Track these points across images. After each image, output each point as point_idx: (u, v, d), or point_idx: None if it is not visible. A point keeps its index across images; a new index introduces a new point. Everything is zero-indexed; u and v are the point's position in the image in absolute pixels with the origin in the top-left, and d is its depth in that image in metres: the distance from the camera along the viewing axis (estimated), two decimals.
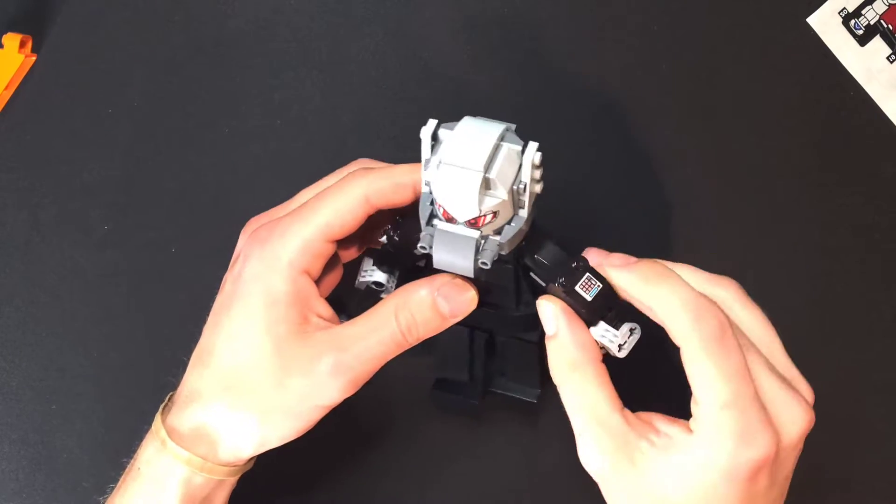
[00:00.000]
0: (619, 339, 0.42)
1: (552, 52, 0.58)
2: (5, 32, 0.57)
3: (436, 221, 0.40)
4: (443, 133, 0.40)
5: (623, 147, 0.58)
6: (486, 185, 0.38)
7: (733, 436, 0.38)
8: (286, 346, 0.42)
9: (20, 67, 0.57)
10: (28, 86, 0.58)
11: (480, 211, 0.38)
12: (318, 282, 0.45)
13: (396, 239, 0.44)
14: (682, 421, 0.41)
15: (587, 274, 0.41)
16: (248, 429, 0.43)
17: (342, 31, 0.58)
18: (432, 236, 0.40)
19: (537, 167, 0.39)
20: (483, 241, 0.40)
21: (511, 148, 0.39)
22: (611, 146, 0.58)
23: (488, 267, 0.40)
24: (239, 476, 0.46)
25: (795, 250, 0.58)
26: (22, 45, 0.57)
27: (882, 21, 0.59)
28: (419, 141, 0.56)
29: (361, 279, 0.46)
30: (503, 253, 0.40)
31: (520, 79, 0.58)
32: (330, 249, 0.44)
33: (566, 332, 0.42)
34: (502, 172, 0.38)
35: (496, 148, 0.38)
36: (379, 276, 0.45)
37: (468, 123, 0.40)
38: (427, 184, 0.40)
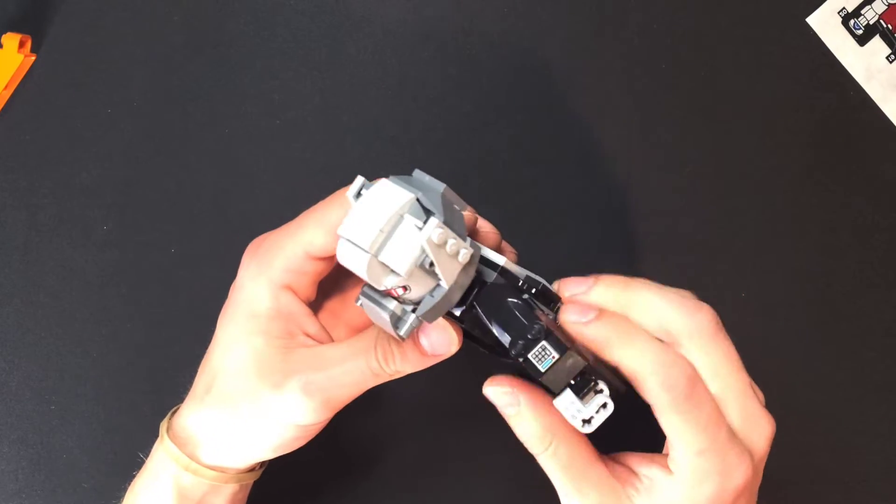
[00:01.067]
0: (583, 413, 0.38)
1: (552, 51, 0.58)
2: (5, 32, 0.57)
3: (361, 291, 0.39)
4: (362, 196, 0.38)
5: (623, 147, 0.58)
6: (380, 264, 0.36)
7: (713, 475, 0.39)
8: (263, 360, 0.42)
9: (19, 67, 0.57)
10: (27, 86, 0.58)
11: (383, 286, 0.37)
12: (345, 314, 0.45)
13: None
14: (658, 457, 0.41)
15: (542, 343, 0.37)
16: (226, 436, 0.43)
17: (342, 32, 0.58)
18: (363, 298, 0.39)
19: (440, 245, 0.36)
20: (402, 313, 0.38)
21: (412, 224, 0.36)
22: (610, 146, 0.58)
23: (404, 339, 0.39)
24: (243, 484, 0.45)
25: (795, 250, 0.58)
26: (21, 44, 0.57)
27: (881, 21, 0.59)
28: (418, 141, 0.56)
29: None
30: (428, 322, 0.38)
31: (519, 78, 0.58)
32: (319, 268, 0.43)
33: (528, 410, 0.40)
34: (398, 251, 0.36)
35: (396, 223, 0.36)
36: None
37: (375, 192, 0.37)
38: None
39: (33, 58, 0.58)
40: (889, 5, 0.58)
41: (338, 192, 0.45)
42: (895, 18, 0.59)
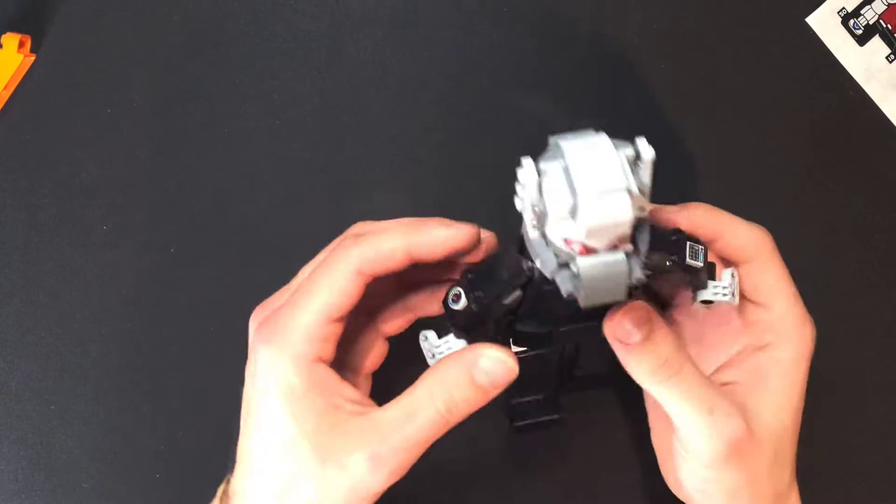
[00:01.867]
0: (730, 288, 0.43)
1: (551, 51, 0.58)
2: (4, 32, 0.57)
3: (578, 262, 0.36)
4: (547, 167, 0.36)
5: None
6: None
7: (804, 323, 0.47)
8: (320, 442, 0.40)
9: (19, 67, 0.57)
10: (27, 86, 0.58)
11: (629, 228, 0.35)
12: (355, 362, 0.44)
13: (483, 300, 0.40)
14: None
15: (689, 243, 0.41)
16: None
17: (341, 32, 0.58)
18: (575, 276, 0.36)
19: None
20: (628, 258, 0.36)
21: (627, 153, 0.36)
22: None
23: (644, 281, 0.37)
24: None
25: (795, 250, 0.58)
26: (21, 45, 0.57)
27: (881, 21, 0.59)
28: (418, 141, 0.56)
29: (441, 357, 0.42)
30: (646, 260, 0.37)
31: (519, 78, 0.58)
32: (337, 329, 0.42)
33: (662, 331, 0.42)
34: (634, 181, 0.35)
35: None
36: (460, 344, 0.42)
37: (572, 146, 0.36)
38: (537, 227, 0.37)
39: (33, 58, 0.58)
40: (889, 5, 0.59)
41: (337, 245, 0.43)
42: (895, 18, 0.59)
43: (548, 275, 0.37)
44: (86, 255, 0.57)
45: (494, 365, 0.40)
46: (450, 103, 0.58)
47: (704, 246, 0.42)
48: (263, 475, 0.42)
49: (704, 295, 0.43)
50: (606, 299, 0.37)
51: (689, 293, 0.46)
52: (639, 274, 0.36)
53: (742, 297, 0.47)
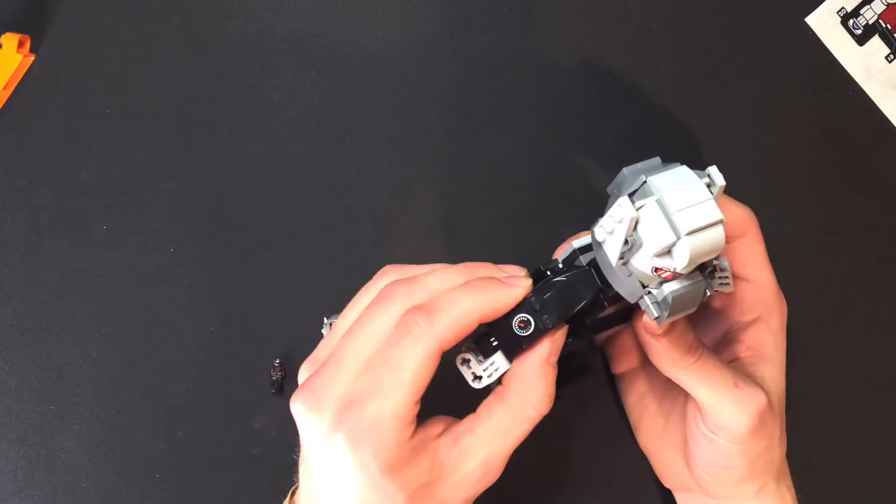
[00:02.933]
0: (728, 276, 0.47)
1: (551, 51, 0.58)
2: (4, 32, 0.57)
3: (665, 286, 0.39)
4: (644, 204, 0.38)
5: (622, 146, 0.58)
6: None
7: (781, 293, 0.51)
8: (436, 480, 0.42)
9: (19, 67, 0.57)
10: (26, 86, 0.57)
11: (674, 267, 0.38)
12: None
13: (549, 323, 0.42)
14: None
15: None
16: None
17: (341, 32, 0.58)
18: (662, 302, 0.40)
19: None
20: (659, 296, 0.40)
21: (705, 182, 0.38)
22: (610, 146, 0.58)
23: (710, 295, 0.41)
24: None
25: (795, 250, 0.59)
26: (20, 44, 0.57)
27: (880, 21, 0.59)
28: (418, 141, 0.56)
29: (490, 378, 0.43)
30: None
31: (519, 78, 0.58)
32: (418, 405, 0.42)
33: (682, 323, 0.45)
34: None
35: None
36: (507, 364, 0.43)
37: (662, 181, 0.38)
38: (623, 258, 0.39)
39: (32, 58, 0.57)
40: (888, 5, 0.59)
41: (371, 287, 0.44)
42: (894, 18, 0.59)
43: (632, 300, 0.40)
44: (86, 255, 0.57)
45: (561, 340, 0.43)
46: (450, 103, 0.58)
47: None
48: None
49: (713, 286, 0.45)
50: (681, 314, 0.41)
51: None
52: (710, 290, 0.41)
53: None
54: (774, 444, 0.49)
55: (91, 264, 0.57)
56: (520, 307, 0.42)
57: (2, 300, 0.56)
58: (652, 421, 0.53)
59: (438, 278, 0.42)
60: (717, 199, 0.38)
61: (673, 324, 0.44)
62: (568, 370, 0.56)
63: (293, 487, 0.46)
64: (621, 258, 0.39)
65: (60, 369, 0.56)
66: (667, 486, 0.53)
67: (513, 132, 0.58)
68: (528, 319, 0.42)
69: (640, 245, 0.38)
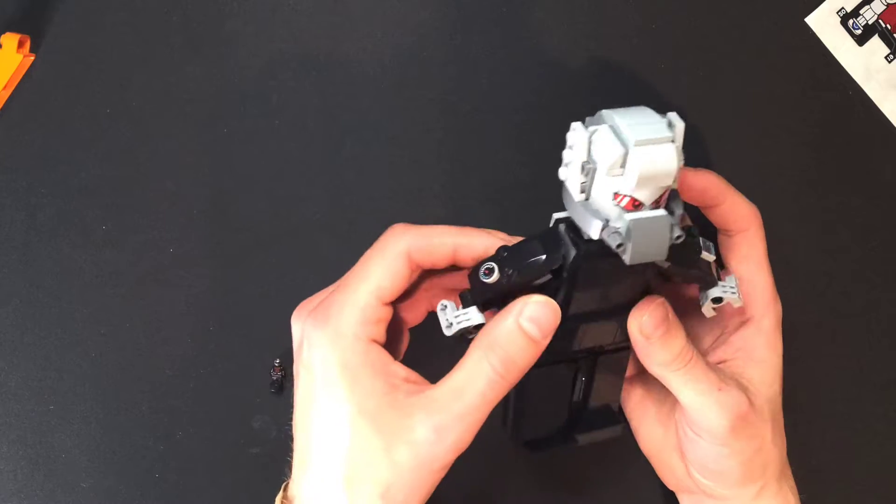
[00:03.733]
0: (736, 288, 0.47)
1: (551, 51, 0.58)
2: (3, 32, 0.57)
3: (625, 216, 0.38)
4: (597, 129, 0.39)
5: None
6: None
7: (777, 295, 0.51)
8: (384, 421, 0.41)
9: (18, 67, 0.57)
10: (26, 86, 0.57)
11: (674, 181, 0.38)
12: (391, 349, 0.44)
13: (515, 277, 0.41)
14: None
15: (700, 238, 0.44)
16: None
17: (340, 32, 0.58)
18: (624, 232, 0.38)
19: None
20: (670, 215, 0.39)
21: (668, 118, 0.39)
22: None
23: (683, 238, 0.39)
24: None
25: (795, 250, 0.59)
26: (20, 44, 0.56)
27: (880, 21, 0.59)
28: (418, 141, 0.56)
29: (458, 325, 0.43)
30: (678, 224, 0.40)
31: (518, 78, 0.58)
32: (388, 312, 0.43)
33: (677, 325, 0.45)
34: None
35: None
36: (479, 317, 0.43)
37: (616, 113, 0.39)
38: (584, 191, 0.39)
39: (32, 57, 0.57)
40: (888, 5, 0.59)
41: (386, 234, 0.45)
42: (894, 18, 0.59)
43: (594, 235, 0.39)
44: (85, 255, 0.56)
45: (539, 309, 0.41)
46: (450, 103, 0.58)
47: (713, 242, 0.45)
48: (328, 467, 0.42)
49: (716, 292, 0.47)
50: (649, 257, 0.39)
51: (681, 292, 0.50)
52: (677, 232, 0.39)
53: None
54: (767, 446, 0.48)
55: (91, 264, 0.57)
56: (495, 255, 0.42)
57: (2, 300, 0.56)
58: (651, 424, 0.53)
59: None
60: (679, 141, 0.38)
61: (666, 327, 0.44)
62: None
63: (285, 482, 0.45)
64: (582, 192, 0.39)
65: (60, 369, 0.56)
66: (670, 487, 0.53)
67: (513, 132, 0.58)
68: (492, 266, 0.42)
69: (595, 168, 0.38)
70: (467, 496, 0.57)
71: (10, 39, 0.56)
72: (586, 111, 0.58)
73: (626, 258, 0.38)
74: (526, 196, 0.58)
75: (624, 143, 0.37)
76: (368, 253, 0.44)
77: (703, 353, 0.49)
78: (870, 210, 0.59)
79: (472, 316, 0.43)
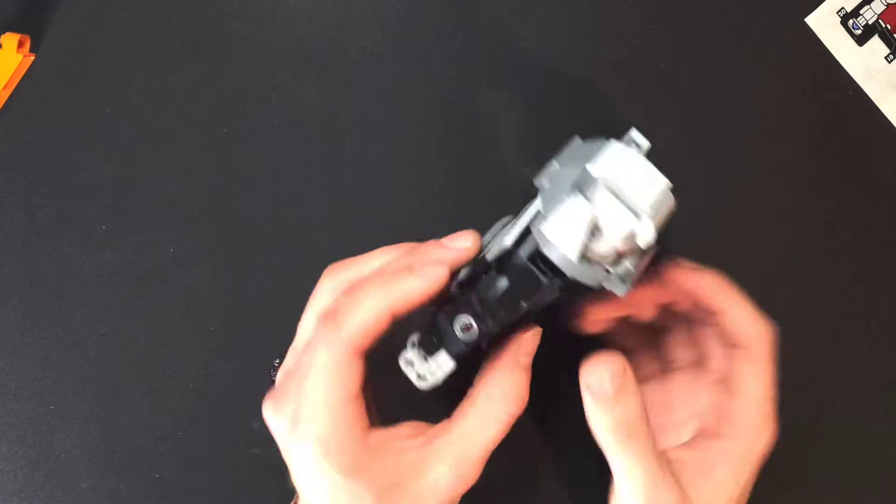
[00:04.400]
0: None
1: (551, 51, 0.58)
2: (3, 32, 0.57)
3: (624, 261, 0.40)
4: (596, 198, 0.39)
5: None
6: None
7: (766, 426, 0.46)
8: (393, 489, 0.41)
9: (18, 67, 0.57)
10: (26, 86, 0.57)
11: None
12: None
13: (492, 331, 0.42)
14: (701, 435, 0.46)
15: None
16: None
17: (340, 31, 0.58)
18: (626, 276, 0.40)
19: None
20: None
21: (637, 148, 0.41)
22: None
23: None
24: None
25: (795, 250, 0.59)
26: (20, 44, 0.57)
27: (880, 21, 0.59)
28: (418, 141, 0.56)
29: (434, 379, 0.43)
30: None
31: (518, 79, 0.58)
32: (359, 402, 0.42)
33: (631, 392, 0.42)
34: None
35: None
36: (450, 364, 0.42)
37: (605, 166, 0.39)
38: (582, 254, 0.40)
39: (32, 57, 0.58)
40: (888, 5, 0.59)
41: (320, 331, 0.42)
42: (894, 18, 0.59)
43: (596, 286, 0.40)
44: (85, 255, 0.57)
45: (533, 340, 0.42)
46: (450, 103, 0.58)
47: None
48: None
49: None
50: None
51: (660, 362, 0.49)
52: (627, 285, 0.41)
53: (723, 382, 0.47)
54: None
55: (91, 264, 0.57)
56: (460, 305, 0.41)
57: (2, 300, 0.56)
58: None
59: (367, 261, 0.44)
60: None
61: (621, 388, 0.42)
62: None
63: (294, 499, 0.45)
64: (581, 256, 0.39)
65: (60, 369, 0.56)
66: None
67: (513, 132, 0.58)
68: (470, 323, 0.41)
69: (601, 235, 0.39)
70: None
71: (10, 39, 0.56)
72: (586, 111, 0.58)
73: (625, 293, 0.40)
74: (526, 196, 0.57)
75: (636, 213, 0.39)
76: (309, 357, 0.42)
77: (667, 447, 0.46)
78: (870, 210, 0.58)
79: (444, 365, 0.42)
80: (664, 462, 0.43)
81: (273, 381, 0.56)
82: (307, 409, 0.41)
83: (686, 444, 0.47)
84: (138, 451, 0.55)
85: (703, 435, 0.46)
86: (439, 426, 0.42)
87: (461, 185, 0.58)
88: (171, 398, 0.56)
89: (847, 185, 0.59)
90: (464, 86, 0.58)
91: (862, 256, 0.59)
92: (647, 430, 0.43)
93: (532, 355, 0.42)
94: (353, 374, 0.41)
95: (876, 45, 0.59)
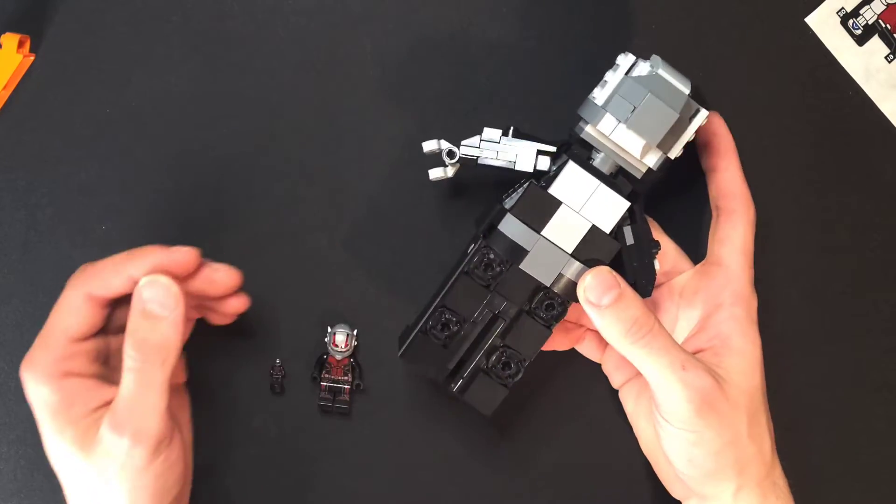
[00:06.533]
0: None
1: (550, 51, 0.58)
2: (4, 32, 0.57)
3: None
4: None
5: None
6: None
7: (753, 290, 0.51)
8: (83, 443, 0.46)
9: (18, 67, 0.57)
10: (26, 86, 0.57)
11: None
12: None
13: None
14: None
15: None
16: None
17: (340, 31, 0.58)
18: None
19: None
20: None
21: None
22: None
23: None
24: None
25: (795, 250, 0.59)
26: (20, 44, 0.56)
27: (880, 21, 0.59)
28: (419, 141, 0.56)
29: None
30: None
31: (518, 79, 0.58)
32: (86, 346, 0.48)
33: (631, 293, 0.45)
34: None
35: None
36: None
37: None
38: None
39: (32, 57, 0.57)
40: (888, 5, 0.59)
41: (67, 284, 0.49)
42: (894, 18, 0.59)
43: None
44: (85, 255, 0.56)
45: (153, 290, 0.46)
46: (450, 103, 0.58)
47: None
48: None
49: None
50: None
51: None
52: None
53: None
54: (742, 441, 0.47)
55: None
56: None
57: (2, 300, 0.56)
58: (646, 428, 0.52)
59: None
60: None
61: (616, 293, 0.45)
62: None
63: None
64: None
65: None
66: (674, 495, 0.52)
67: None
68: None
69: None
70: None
71: (10, 39, 0.56)
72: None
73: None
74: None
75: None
76: (59, 300, 0.48)
77: (679, 342, 0.49)
78: (870, 210, 0.59)
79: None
80: (685, 352, 0.47)
81: (273, 381, 0.56)
82: (36, 341, 0.48)
83: (696, 332, 0.51)
84: None
85: (706, 316, 0.50)
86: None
87: (461, 185, 0.58)
88: None
89: (847, 185, 0.59)
90: (464, 86, 0.58)
91: (862, 256, 0.59)
92: (659, 323, 0.46)
93: (162, 303, 0.46)
94: (80, 316, 0.47)
95: (876, 45, 0.59)
